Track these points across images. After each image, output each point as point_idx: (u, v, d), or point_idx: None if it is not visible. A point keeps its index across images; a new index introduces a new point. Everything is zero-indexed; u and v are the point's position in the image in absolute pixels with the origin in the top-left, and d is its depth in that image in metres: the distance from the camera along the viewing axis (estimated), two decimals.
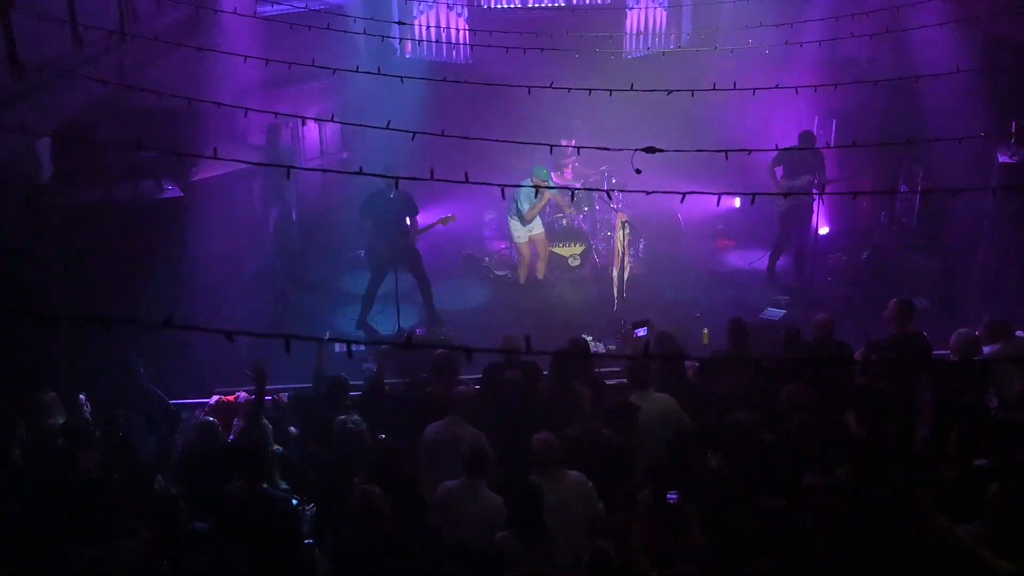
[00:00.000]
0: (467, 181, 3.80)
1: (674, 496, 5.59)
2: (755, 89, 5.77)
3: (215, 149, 4.27)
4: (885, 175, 11.74)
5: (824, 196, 10.86)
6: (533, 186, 10.57)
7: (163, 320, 2.63)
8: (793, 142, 10.73)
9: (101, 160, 8.54)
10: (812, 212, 11.12)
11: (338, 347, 9.49)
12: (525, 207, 11.08)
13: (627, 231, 10.46)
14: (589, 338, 9.23)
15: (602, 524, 5.53)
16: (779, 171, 11.00)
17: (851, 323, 8.80)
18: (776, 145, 5.26)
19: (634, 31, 13.12)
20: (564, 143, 10.99)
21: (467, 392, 6.92)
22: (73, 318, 2.70)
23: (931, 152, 10.21)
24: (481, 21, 11.80)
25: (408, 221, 10.39)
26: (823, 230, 11.41)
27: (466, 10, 12.52)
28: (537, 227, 11.40)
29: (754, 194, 4.10)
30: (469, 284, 11.87)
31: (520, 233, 11.36)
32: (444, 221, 10.77)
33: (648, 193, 4.03)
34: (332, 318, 10.88)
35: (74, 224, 8.31)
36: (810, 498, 5.49)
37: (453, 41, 11.44)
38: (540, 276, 11.56)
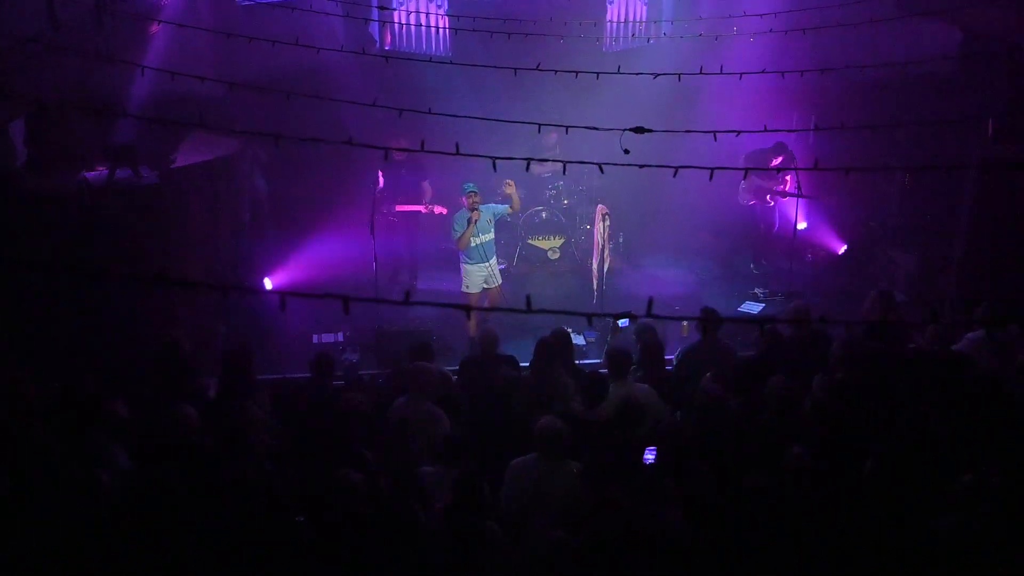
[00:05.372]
0: (457, 153, 3.77)
1: (652, 453, 5.50)
2: (741, 74, 5.77)
3: (200, 117, 4.19)
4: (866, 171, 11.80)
5: (804, 194, 10.95)
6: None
7: (155, 275, 2.56)
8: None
9: (75, 146, 8.39)
10: (776, 206, 11.60)
11: None
12: (457, 232, 9.46)
13: (607, 224, 10.41)
14: (569, 330, 9.16)
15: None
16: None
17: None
18: (765, 126, 5.25)
19: (615, 21, 13.04)
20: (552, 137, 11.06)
21: (425, 368, 6.85)
22: (70, 271, 2.63)
23: (910, 146, 10.27)
24: (461, 9, 11.59)
25: None
26: (801, 225, 11.44)
27: (446, 1, 12.38)
28: (495, 278, 9.82)
29: (747, 169, 4.09)
30: (449, 269, 11.71)
31: (472, 280, 9.70)
32: None
33: (640, 167, 4.02)
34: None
35: (46, 211, 8.13)
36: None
37: (434, 27, 11.28)
38: (472, 333, 9.20)
